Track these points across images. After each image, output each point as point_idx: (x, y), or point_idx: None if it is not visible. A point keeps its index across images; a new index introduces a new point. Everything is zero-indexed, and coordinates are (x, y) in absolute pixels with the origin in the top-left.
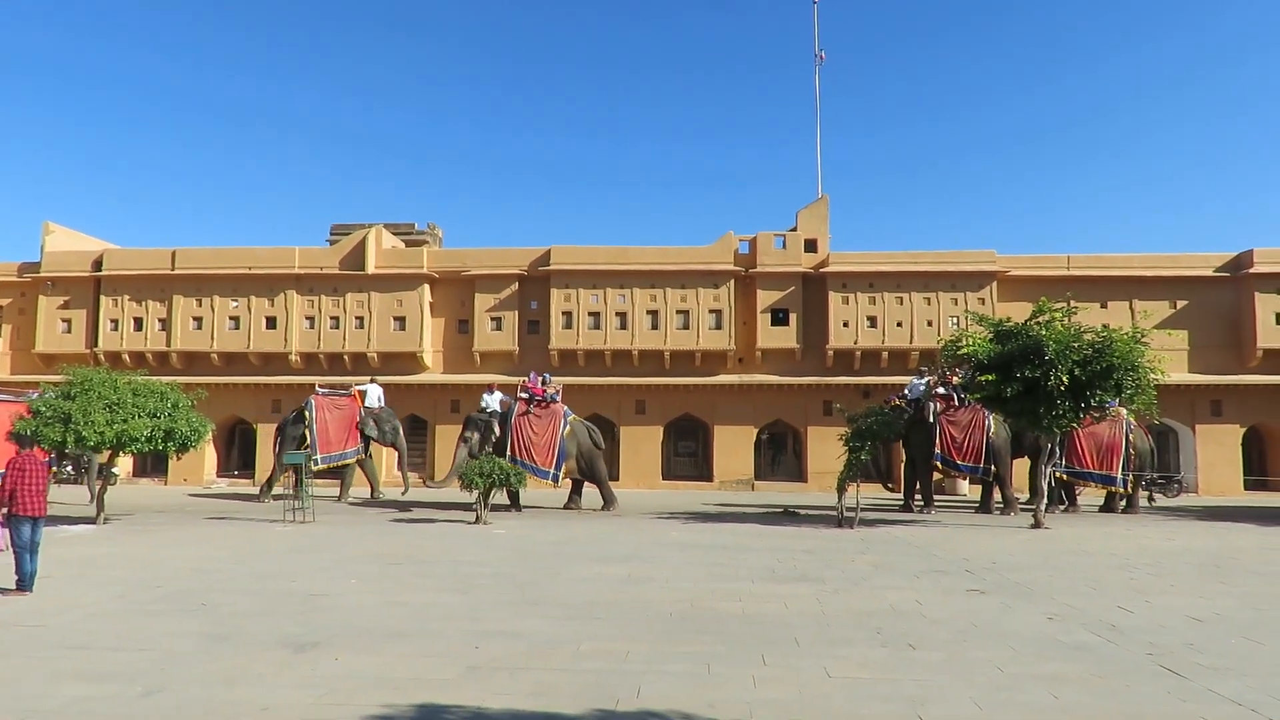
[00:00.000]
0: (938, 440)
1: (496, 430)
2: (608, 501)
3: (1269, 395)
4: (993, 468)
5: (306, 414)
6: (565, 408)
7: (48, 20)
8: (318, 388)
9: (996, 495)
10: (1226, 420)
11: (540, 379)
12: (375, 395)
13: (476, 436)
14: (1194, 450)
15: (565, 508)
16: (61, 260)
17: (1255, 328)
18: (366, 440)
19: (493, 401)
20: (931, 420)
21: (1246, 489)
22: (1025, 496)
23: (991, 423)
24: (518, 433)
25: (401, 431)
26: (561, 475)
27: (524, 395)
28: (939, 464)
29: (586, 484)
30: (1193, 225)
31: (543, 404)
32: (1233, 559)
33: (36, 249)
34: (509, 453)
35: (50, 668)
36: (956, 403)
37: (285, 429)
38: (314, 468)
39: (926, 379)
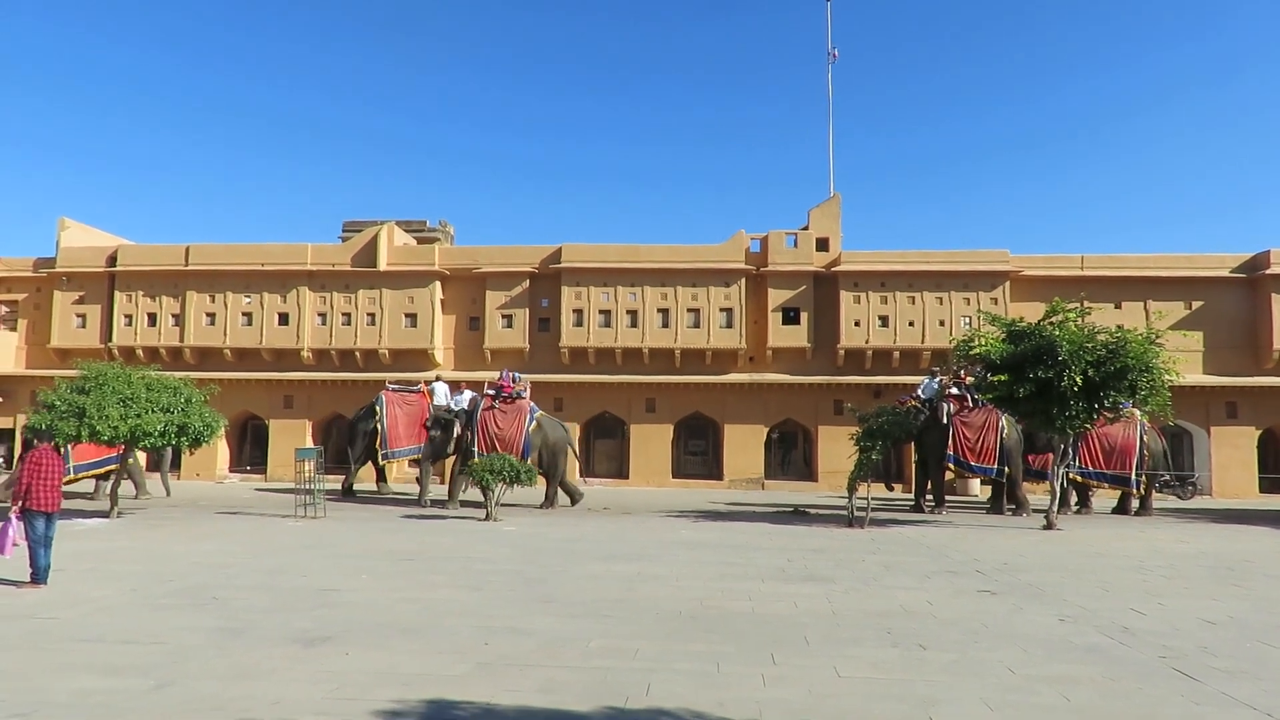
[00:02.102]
0: (951, 441)
1: (458, 428)
2: (549, 499)
3: None
4: (1006, 469)
5: (377, 409)
6: (532, 403)
7: (63, 18)
8: (389, 384)
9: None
10: (1242, 422)
11: (511, 376)
12: (443, 393)
13: (440, 434)
14: (1208, 452)
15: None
16: (77, 256)
17: (1271, 329)
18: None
19: (462, 400)
20: (945, 421)
21: (1261, 491)
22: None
23: (1004, 424)
24: (483, 428)
25: None
26: None
27: (490, 392)
28: (952, 465)
29: (566, 476)
30: (1209, 226)
31: (508, 400)
32: (1247, 562)
33: (52, 244)
34: (475, 448)
35: (62, 660)
36: (970, 403)
37: (357, 424)
38: (383, 462)
39: (939, 379)
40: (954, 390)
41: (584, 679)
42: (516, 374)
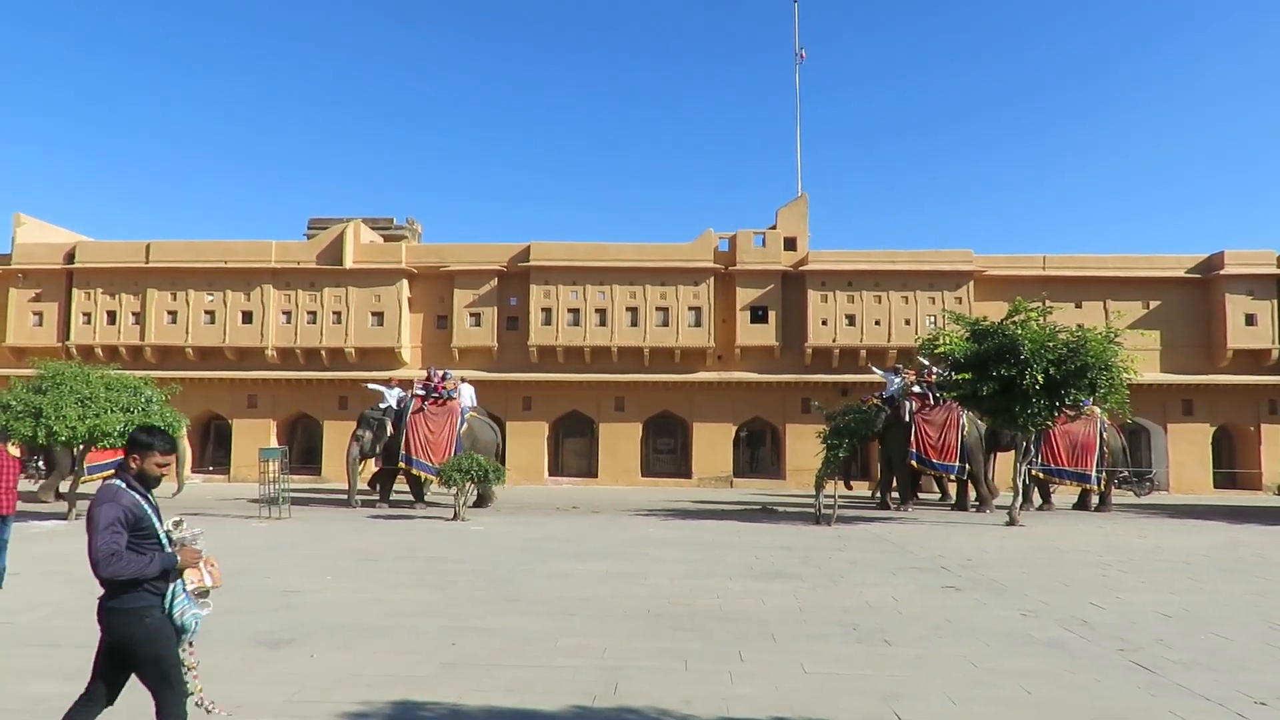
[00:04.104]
0: (914, 439)
1: (389, 428)
2: (483, 497)
3: (1238, 395)
4: (968, 466)
5: None
6: (462, 404)
7: (15, 15)
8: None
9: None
10: (1197, 419)
11: (441, 374)
12: (468, 395)
13: (369, 435)
14: (1165, 448)
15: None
16: (33, 252)
17: (1225, 329)
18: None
19: (390, 398)
20: (908, 419)
21: (1216, 486)
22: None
23: (965, 421)
24: (413, 430)
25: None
26: None
27: (420, 392)
28: (915, 462)
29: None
30: (1166, 227)
31: (438, 400)
32: (1202, 556)
33: (7, 240)
34: (403, 450)
35: (18, 665)
36: (932, 401)
37: None
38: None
39: (901, 375)
40: (916, 389)
41: (551, 678)
42: (448, 372)
